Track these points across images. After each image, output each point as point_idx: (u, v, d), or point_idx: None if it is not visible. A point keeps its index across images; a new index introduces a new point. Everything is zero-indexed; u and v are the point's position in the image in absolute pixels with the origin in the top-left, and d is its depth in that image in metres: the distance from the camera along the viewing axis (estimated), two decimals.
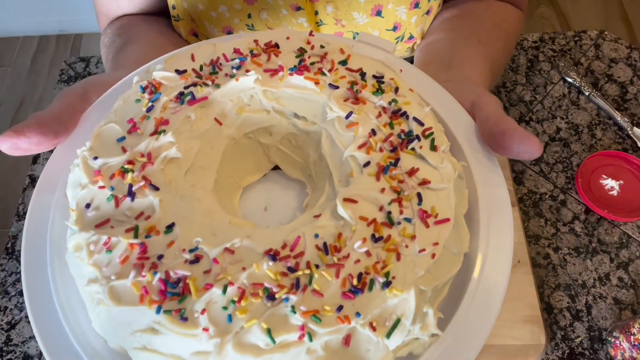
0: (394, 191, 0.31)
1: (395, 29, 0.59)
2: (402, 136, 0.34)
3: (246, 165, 0.40)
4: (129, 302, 0.28)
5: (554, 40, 0.80)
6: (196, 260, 0.29)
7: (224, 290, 0.28)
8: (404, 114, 0.35)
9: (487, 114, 0.36)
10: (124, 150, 0.33)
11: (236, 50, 0.38)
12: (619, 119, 0.71)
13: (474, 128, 0.37)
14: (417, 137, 0.33)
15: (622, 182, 0.66)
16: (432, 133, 0.34)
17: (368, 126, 0.34)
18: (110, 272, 0.29)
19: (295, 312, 0.27)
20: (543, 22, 1.86)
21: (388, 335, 0.27)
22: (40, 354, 0.59)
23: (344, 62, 0.37)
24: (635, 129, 0.70)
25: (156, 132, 0.34)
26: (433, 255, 0.30)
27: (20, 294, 0.63)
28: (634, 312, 0.59)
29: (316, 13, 0.57)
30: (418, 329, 0.28)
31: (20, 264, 0.65)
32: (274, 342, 0.26)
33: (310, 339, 0.27)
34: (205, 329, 0.27)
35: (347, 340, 0.27)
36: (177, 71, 0.36)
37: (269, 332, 0.27)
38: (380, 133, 0.34)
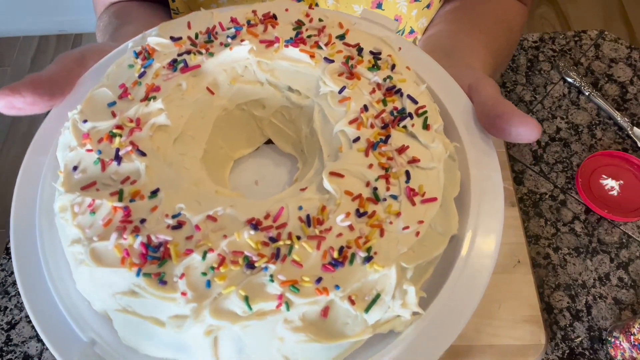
0: (382, 168, 0.31)
1: (395, 22, 0.59)
2: (395, 113, 0.33)
3: (238, 138, 0.39)
4: (110, 263, 0.28)
5: (554, 40, 0.80)
6: (178, 226, 0.29)
7: (204, 257, 0.28)
8: (399, 91, 0.34)
9: (484, 97, 0.36)
10: (114, 115, 0.33)
11: (233, 20, 0.37)
12: (619, 119, 0.71)
13: (472, 110, 0.36)
14: (410, 115, 0.33)
15: (622, 182, 0.66)
16: (425, 112, 0.33)
17: (361, 102, 0.34)
18: (92, 233, 0.29)
19: (273, 281, 0.27)
20: (543, 22, 1.86)
21: (367, 309, 0.27)
22: (40, 354, 0.59)
23: (341, 37, 0.37)
24: (635, 129, 0.70)
25: (146, 98, 0.33)
26: (417, 233, 0.29)
27: (20, 294, 0.63)
28: (634, 312, 0.59)
29: (316, 4, 0.57)
30: (399, 305, 0.28)
31: None
32: (250, 309, 0.27)
33: (288, 308, 0.27)
34: (184, 294, 0.27)
35: (325, 312, 0.27)
36: (172, 38, 0.36)
37: (246, 299, 0.27)
38: (372, 109, 0.33)
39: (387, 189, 0.30)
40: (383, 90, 0.34)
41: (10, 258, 0.66)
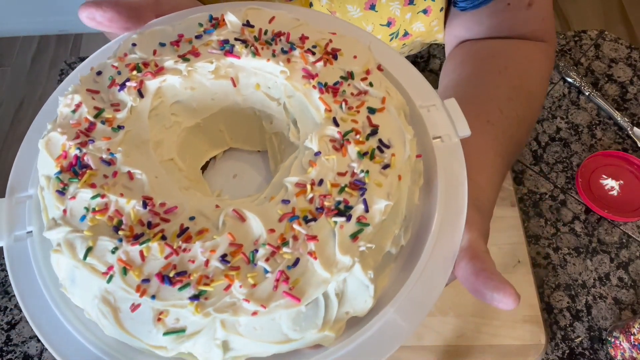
0: (281, 239, 0.30)
1: (389, 24, 0.58)
2: (341, 207, 0.31)
3: (242, 132, 0.41)
4: (51, 153, 0.33)
5: None
6: (107, 163, 0.32)
7: (93, 197, 0.31)
8: (363, 191, 0.31)
9: (466, 243, 0.34)
10: (154, 53, 0.36)
11: (302, 38, 0.37)
12: (619, 119, 0.71)
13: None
14: (348, 217, 0.30)
15: (622, 182, 0.66)
16: (363, 226, 0.30)
17: (321, 175, 0.32)
18: (60, 124, 0.34)
19: (114, 253, 0.29)
20: None
21: (165, 334, 0.29)
22: (40, 354, 0.59)
23: (372, 111, 0.34)
24: (635, 129, 0.70)
25: (183, 57, 0.36)
26: (254, 313, 0.28)
27: None
28: (634, 312, 0.59)
29: (310, 4, 0.56)
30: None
31: None
32: (85, 259, 0.29)
33: (109, 281, 0.29)
34: (65, 211, 0.31)
35: (133, 308, 0.30)
36: (247, 23, 0.37)
37: (88, 250, 0.29)
38: (324, 188, 0.31)
39: (267, 259, 0.29)
40: (352, 180, 0.32)
41: None
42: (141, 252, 0.29)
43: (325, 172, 0.32)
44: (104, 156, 0.32)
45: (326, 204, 0.31)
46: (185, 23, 0.38)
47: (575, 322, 0.59)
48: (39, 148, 0.34)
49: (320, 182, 0.31)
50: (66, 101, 0.35)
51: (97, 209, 0.31)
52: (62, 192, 0.31)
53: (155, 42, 0.37)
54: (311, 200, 0.31)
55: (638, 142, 0.70)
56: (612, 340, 0.55)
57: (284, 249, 0.29)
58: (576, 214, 0.65)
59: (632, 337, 0.52)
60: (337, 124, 0.33)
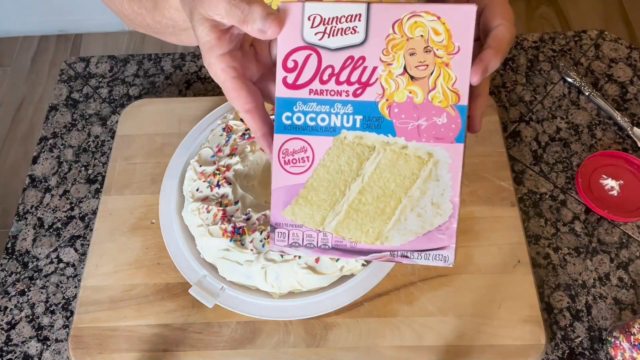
0: None
1: None
2: None
3: None
4: (217, 236, 0.57)
5: (554, 40, 0.80)
6: (248, 219, 0.58)
7: (261, 233, 0.56)
8: None
9: (493, 37, 0.40)
10: (214, 163, 0.62)
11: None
12: (619, 119, 0.71)
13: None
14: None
15: (622, 182, 0.66)
16: None
17: None
18: (208, 222, 0.58)
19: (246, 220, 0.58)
20: (543, 22, 1.86)
21: (336, 260, 0.56)
22: (40, 354, 0.59)
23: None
24: (635, 129, 0.70)
25: (231, 154, 0.62)
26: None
27: (20, 294, 0.63)
28: (634, 312, 0.59)
29: None
30: (353, 260, 0.56)
31: (19, 264, 0.65)
32: (282, 257, 0.55)
33: (300, 258, 0.55)
34: (252, 250, 0.56)
35: (317, 260, 0.56)
36: (241, 120, 0.64)
37: (281, 255, 0.55)
38: None
39: None
40: None
41: (9, 258, 0.66)
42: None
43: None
44: (244, 217, 0.57)
45: None
46: (212, 139, 0.65)
47: (575, 322, 0.59)
48: (204, 245, 0.58)
49: None
50: (199, 212, 0.58)
51: (266, 237, 0.56)
52: (242, 244, 0.56)
53: (208, 157, 0.63)
54: None
55: (638, 142, 0.70)
56: (612, 340, 0.55)
57: None
58: (576, 214, 0.65)
59: (632, 337, 0.52)
60: None
